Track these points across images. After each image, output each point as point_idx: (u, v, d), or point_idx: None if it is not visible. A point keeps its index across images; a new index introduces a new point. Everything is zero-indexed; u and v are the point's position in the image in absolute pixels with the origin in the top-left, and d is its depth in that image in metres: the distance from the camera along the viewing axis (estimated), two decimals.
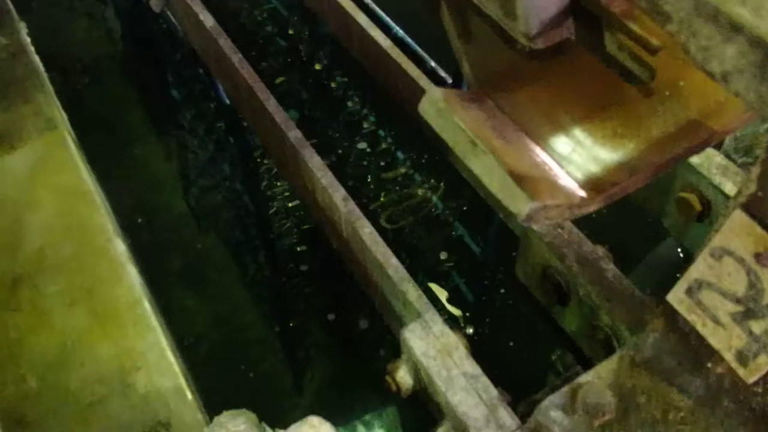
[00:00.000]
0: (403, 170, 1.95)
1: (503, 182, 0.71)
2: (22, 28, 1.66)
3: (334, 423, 0.88)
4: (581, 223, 1.07)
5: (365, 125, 2.03)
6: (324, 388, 1.66)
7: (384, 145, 2.00)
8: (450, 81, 1.65)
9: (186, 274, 1.89)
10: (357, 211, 1.02)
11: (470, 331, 1.68)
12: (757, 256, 0.59)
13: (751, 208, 0.59)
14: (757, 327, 0.64)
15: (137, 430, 1.04)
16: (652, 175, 0.76)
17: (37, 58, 1.59)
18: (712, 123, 0.77)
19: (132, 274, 1.22)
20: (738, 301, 0.65)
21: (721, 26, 0.39)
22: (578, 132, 0.79)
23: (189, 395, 1.08)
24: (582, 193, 0.75)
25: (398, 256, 1.01)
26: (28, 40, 1.63)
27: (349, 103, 2.06)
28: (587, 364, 1.12)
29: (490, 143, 0.73)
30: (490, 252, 1.84)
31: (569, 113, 0.80)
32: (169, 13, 1.70)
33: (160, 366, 1.11)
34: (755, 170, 0.58)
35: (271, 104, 1.14)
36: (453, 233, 1.86)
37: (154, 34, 2.24)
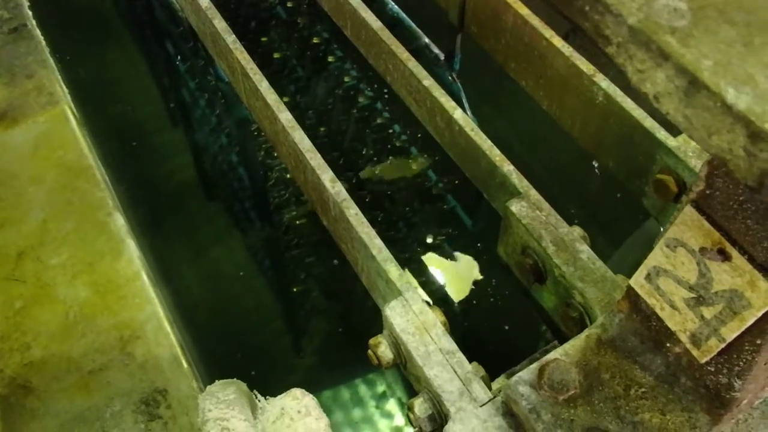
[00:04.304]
0: (398, 144, 1.98)
1: None
2: (25, 1, 1.68)
3: (335, 382, 0.90)
4: (569, 202, 1.11)
5: (360, 99, 2.06)
6: (324, 351, 1.71)
7: (380, 120, 2.03)
8: (442, 58, 1.66)
9: (186, 241, 1.94)
10: (344, 192, 1.05)
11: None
12: (702, 250, 0.63)
13: (700, 204, 0.63)
14: (707, 312, 0.69)
15: (136, 397, 1.10)
16: None
17: (38, 33, 1.62)
18: None
19: (131, 247, 1.27)
20: (691, 288, 0.69)
21: (653, 53, 0.43)
22: None
23: (185, 364, 1.14)
24: None
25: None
26: (30, 13, 1.66)
27: (347, 78, 2.08)
28: (565, 340, 1.17)
29: None
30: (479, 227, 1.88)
31: None
32: None
33: (157, 336, 1.16)
34: (703, 170, 0.62)
35: (264, 86, 1.17)
36: (445, 206, 1.90)
37: (154, 8, 2.26)
